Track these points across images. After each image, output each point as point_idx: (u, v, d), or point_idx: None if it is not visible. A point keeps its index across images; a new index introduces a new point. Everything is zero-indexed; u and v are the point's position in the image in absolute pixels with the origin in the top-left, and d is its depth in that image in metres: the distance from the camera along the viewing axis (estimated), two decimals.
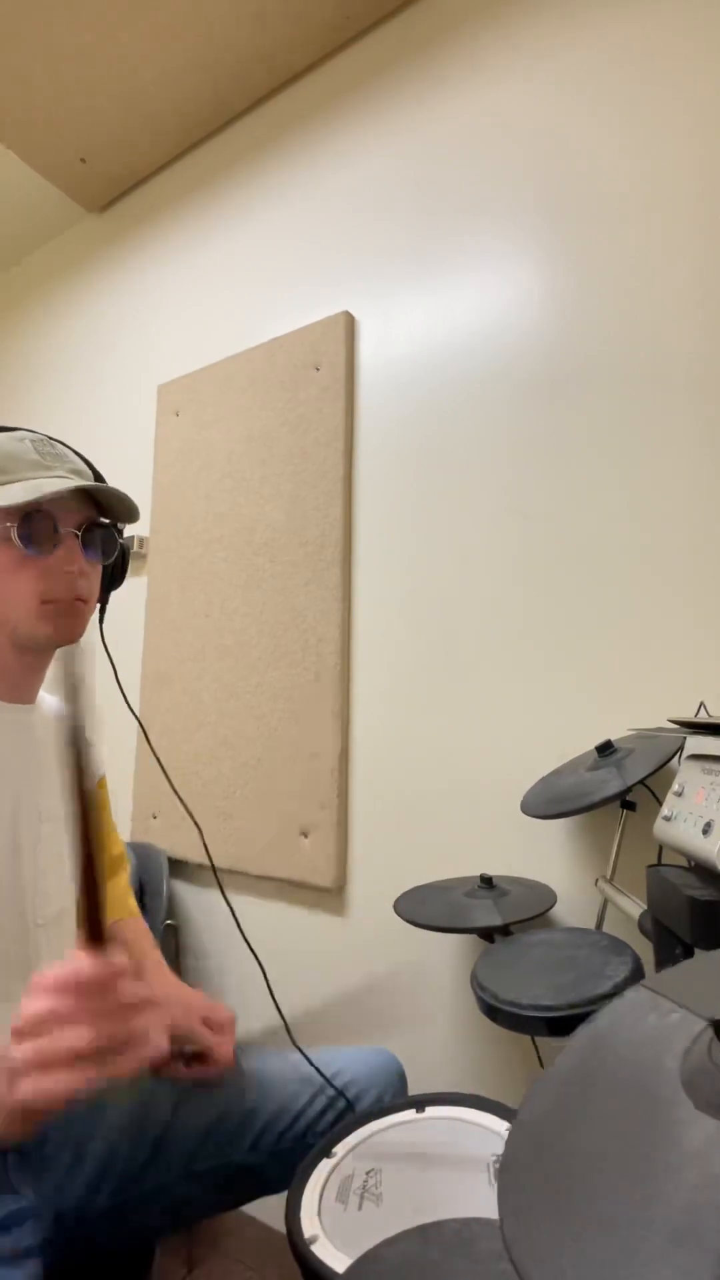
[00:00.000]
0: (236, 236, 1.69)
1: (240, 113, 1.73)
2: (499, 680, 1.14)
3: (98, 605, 0.76)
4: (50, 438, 0.71)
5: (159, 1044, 0.45)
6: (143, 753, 1.58)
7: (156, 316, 1.85)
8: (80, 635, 0.70)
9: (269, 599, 1.42)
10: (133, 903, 0.93)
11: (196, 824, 0.86)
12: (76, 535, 0.68)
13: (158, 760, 0.88)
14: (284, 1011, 0.83)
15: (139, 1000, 0.45)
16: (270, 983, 0.82)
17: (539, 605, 1.11)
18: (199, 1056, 0.71)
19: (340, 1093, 0.80)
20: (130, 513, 0.72)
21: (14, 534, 0.63)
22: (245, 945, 0.80)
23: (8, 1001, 0.65)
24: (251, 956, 0.79)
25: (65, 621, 0.68)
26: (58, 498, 0.65)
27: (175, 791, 0.87)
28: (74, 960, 0.44)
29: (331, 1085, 0.80)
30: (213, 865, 0.75)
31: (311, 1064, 0.79)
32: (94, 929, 0.45)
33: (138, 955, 0.86)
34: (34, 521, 0.64)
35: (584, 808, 0.84)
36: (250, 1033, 1.35)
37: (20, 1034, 0.42)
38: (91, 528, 0.70)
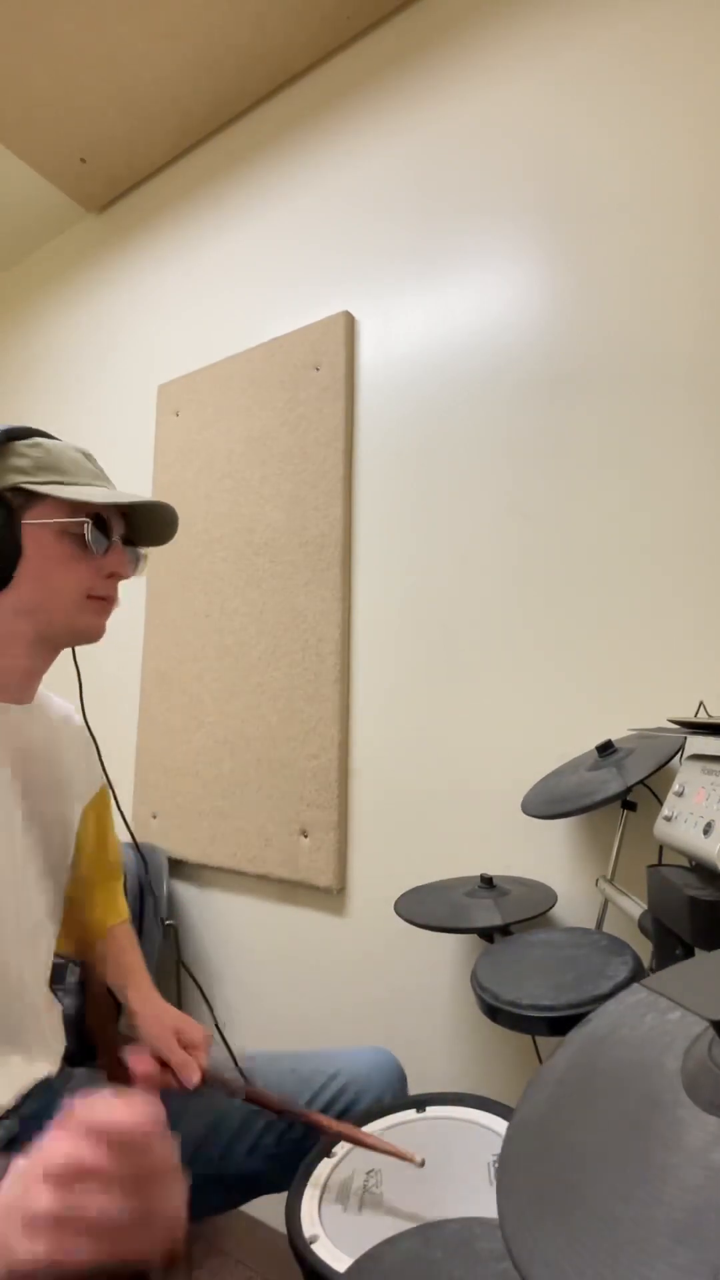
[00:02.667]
0: (236, 236, 1.69)
1: (240, 113, 1.73)
2: (499, 680, 1.14)
3: None
4: (90, 453, 0.77)
5: (184, 1219, 0.40)
6: (143, 752, 1.58)
7: (156, 316, 1.85)
8: (104, 634, 0.75)
9: (269, 599, 1.42)
10: (123, 907, 0.93)
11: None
12: (123, 545, 0.75)
13: (91, 736, 0.87)
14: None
15: (172, 1168, 0.40)
16: (217, 1018, 0.81)
17: (539, 605, 1.11)
18: (164, 1066, 0.72)
19: (344, 1088, 0.79)
20: (165, 535, 0.79)
21: (87, 530, 0.69)
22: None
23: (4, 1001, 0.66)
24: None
25: (100, 619, 0.74)
26: (111, 507, 0.72)
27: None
28: (110, 1105, 0.38)
29: (334, 1084, 0.79)
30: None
31: (254, 1090, 0.77)
32: (117, 1068, 0.42)
33: (122, 963, 0.87)
34: (100, 522, 0.71)
35: (584, 808, 0.84)
36: (250, 1032, 1.35)
37: (48, 1179, 0.37)
38: (125, 543, 0.76)
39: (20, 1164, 0.38)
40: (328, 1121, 0.71)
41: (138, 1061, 0.42)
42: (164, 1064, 0.74)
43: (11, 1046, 0.67)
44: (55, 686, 0.82)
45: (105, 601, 0.73)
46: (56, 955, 0.76)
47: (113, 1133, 0.37)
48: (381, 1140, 0.67)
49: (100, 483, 0.73)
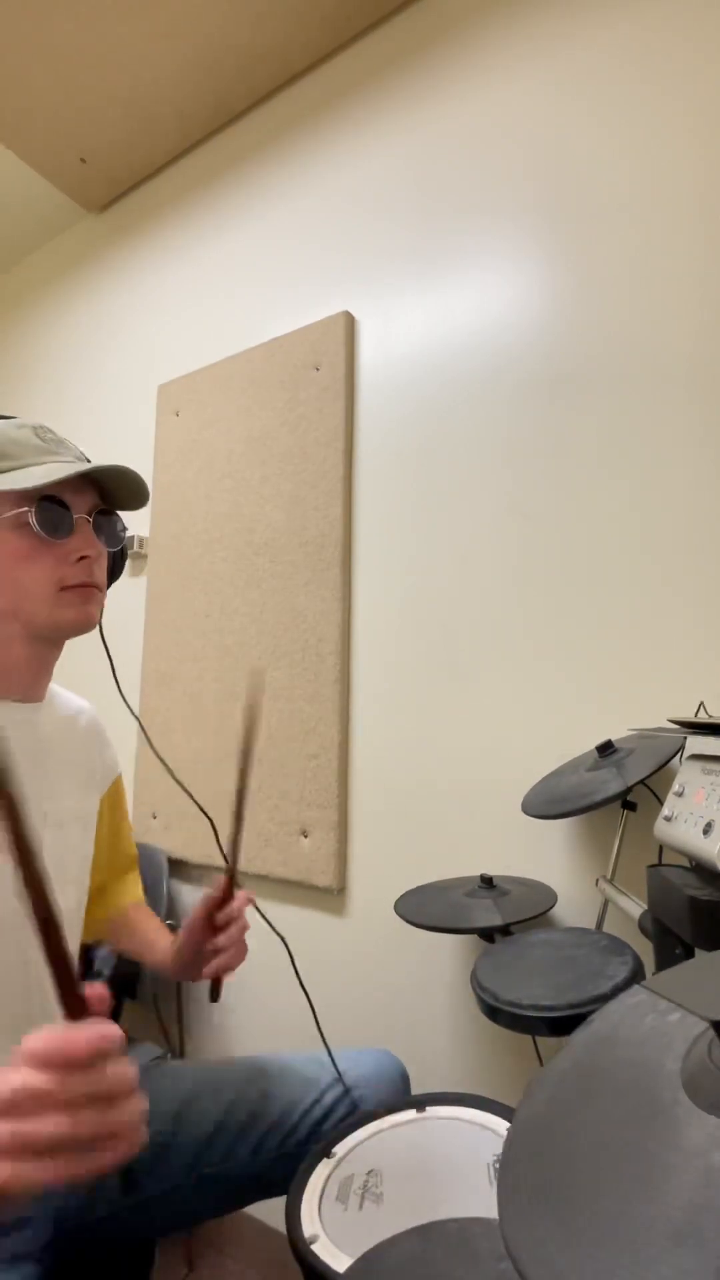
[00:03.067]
0: (236, 236, 1.69)
1: (240, 113, 1.73)
2: (499, 680, 1.14)
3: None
4: (44, 426, 0.70)
5: (142, 1137, 0.42)
6: (143, 752, 1.58)
7: (157, 316, 1.85)
8: (97, 622, 0.69)
9: (269, 599, 1.42)
10: (139, 891, 0.92)
11: (209, 819, 0.86)
12: (88, 521, 0.67)
13: (162, 762, 0.87)
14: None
15: (125, 1085, 0.41)
16: (298, 968, 0.82)
17: (539, 605, 1.11)
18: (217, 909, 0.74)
19: (348, 1090, 0.79)
20: (139, 495, 0.71)
21: (32, 518, 0.62)
22: (254, 944, 0.79)
23: (9, 1014, 0.65)
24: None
25: (84, 608, 0.67)
26: (67, 482, 0.64)
27: (186, 791, 0.87)
28: (60, 1032, 0.40)
29: (343, 1083, 0.79)
30: (224, 855, 0.75)
31: (333, 1060, 0.79)
32: (71, 995, 0.42)
33: (145, 931, 0.87)
34: (49, 506, 0.63)
35: (584, 808, 0.84)
36: (250, 1033, 1.35)
37: (1, 1111, 0.38)
38: (99, 514, 0.69)
39: None
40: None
41: (91, 990, 0.43)
42: (219, 904, 0.74)
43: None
44: (63, 679, 0.82)
45: (83, 589, 0.66)
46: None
47: (57, 1056, 0.39)
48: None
49: (49, 458, 0.65)
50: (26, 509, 0.62)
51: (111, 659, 0.81)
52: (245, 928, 0.76)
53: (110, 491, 0.70)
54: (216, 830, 0.85)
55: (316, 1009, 0.82)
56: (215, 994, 0.76)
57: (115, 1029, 0.41)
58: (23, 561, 0.63)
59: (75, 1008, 0.42)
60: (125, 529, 0.74)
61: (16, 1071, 0.39)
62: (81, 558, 0.65)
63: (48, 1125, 0.38)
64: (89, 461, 0.70)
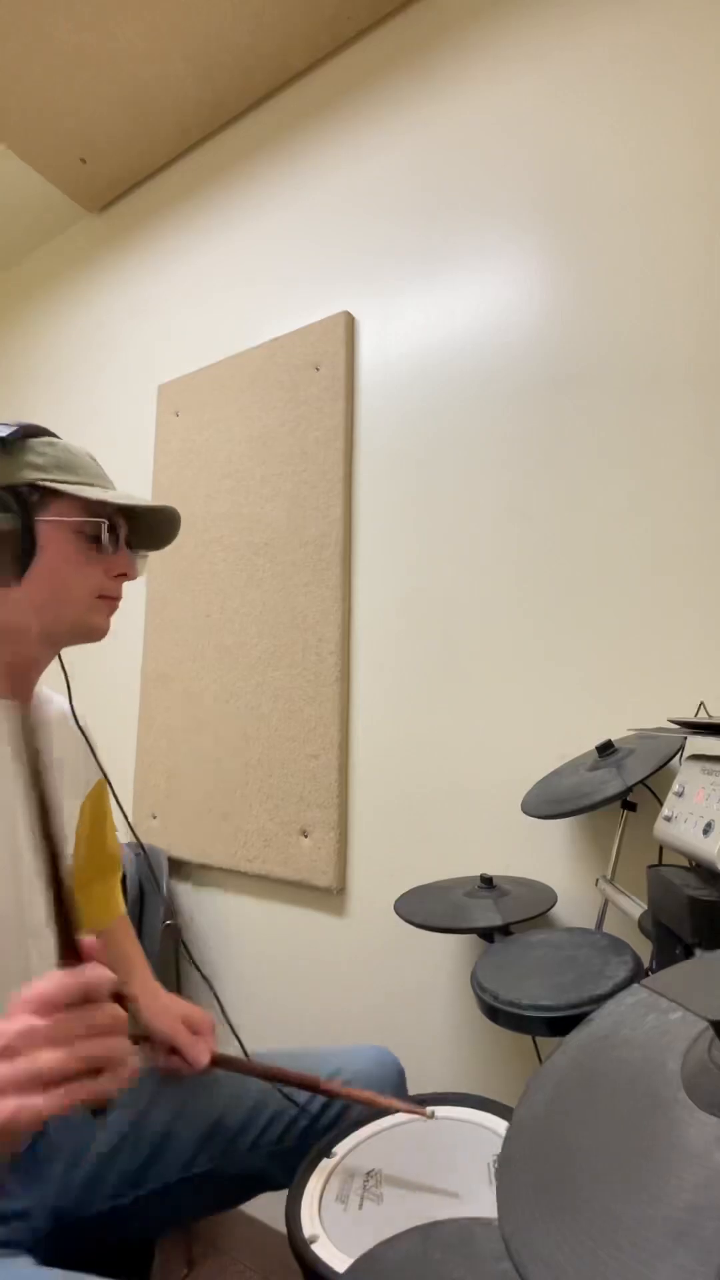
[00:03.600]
0: (236, 236, 1.69)
1: (240, 113, 1.73)
2: (499, 680, 1.14)
3: None
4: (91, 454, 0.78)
5: (134, 1066, 0.45)
6: (143, 752, 1.58)
7: (157, 316, 1.85)
8: (106, 635, 0.76)
9: (269, 599, 1.42)
10: (120, 903, 0.94)
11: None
12: (130, 548, 0.76)
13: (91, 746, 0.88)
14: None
15: (116, 1020, 0.45)
16: (223, 1004, 0.83)
17: (539, 605, 1.11)
18: (173, 1051, 0.76)
19: (299, 1106, 0.79)
20: (164, 543, 0.81)
21: (104, 530, 0.71)
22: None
23: (4, 1004, 0.66)
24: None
25: (106, 619, 0.75)
26: (134, 514, 0.75)
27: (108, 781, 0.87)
28: (52, 977, 0.44)
29: (295, 1103, 0.79)
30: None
31: (283, 1093, 0.79)
32: (69, 943, 0.45)
33: (123, 957, 0.89)
34: (113, 524, 0.72)
35: (584, 808, 0.84)
36: (250, 1033, 1.35)
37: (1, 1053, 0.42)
38: (131, 545, 0.77)
39: None
40: (344, 1089, 0.72)
41: (85, 939, 0.46)
42: (174, 1051, 0.76)
43: None
44: (46, 682, 0.82)
45: (113, 601, 0.75)
46: None
47: (50, 1000, 0.43)
48: (393, 1101, 0.71)
49: (109, 485, 0.74)
50: (101, 520, 0.71)
51: (69, 681, 0.83)
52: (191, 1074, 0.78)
53: (138, 529, 0.78)
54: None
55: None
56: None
57: (105, 972, 0.45)
58: (76, 564, 0.70)
59: (71, 954, 0.45)
60: (142, 563, 0.81)
61: (13, 1019, 0.43)
62: (119, 575, 0.74)
63: (43, 1060, 0.42)
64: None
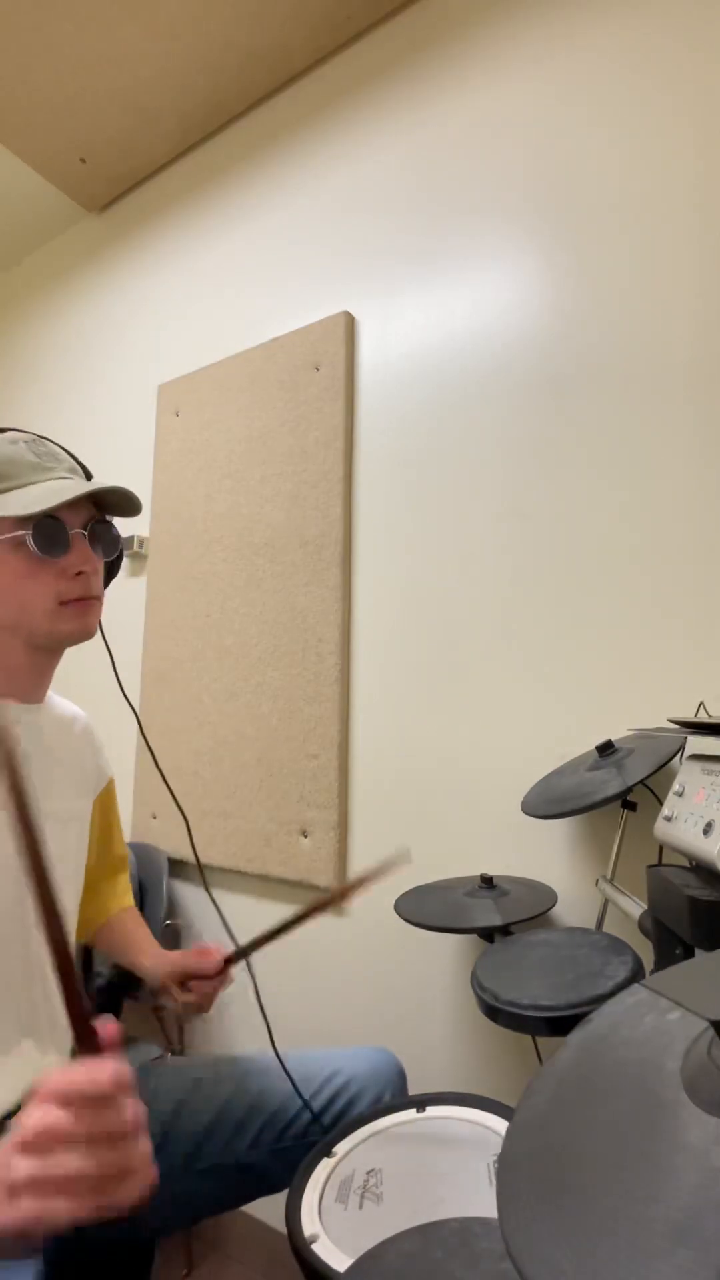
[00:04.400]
0: (236, 236, 1.69)
1: (240, 113, 1.73)
2: (499, 680, 1.14)
3: None
4: (40, 436, 0.71)
5: (153, 1175, 0.43)
6: (143, 752, 1.58)
7: (156, 316, 1.85)
8: (95, 631, 0.71)
9: (269, 599, 1.42)
10: (129, 896, 0.95)
11: (185, 818, 0.89)
12: (84, 535, 0.69)
13: (155, 761, 0.89)
14: (284, 1012, 0.83)
15: (138, 1123, 0.43)
16: (258, 986, 0.84)
17: (539, 605, 1.11)
18: (187, 982, 0.78)
19: (306, 1104, 0.79)
20: (133, 508, 0.72)
21: (29, 540, 0.64)
22: (243, 944, 0.79)
23: (11, 1003, 0.66)
24: (252, 956, 0.79)
25: (83, 620, 0.69)
26: (37, 512, 0.64)
27: (168, 786, 0.89)
28: (77, 1070, 0.41)
29: (303, 1099, 0.79)
30: (198, 862, 0.79)
31: (287, 1073, 0.80)
32: (86, 1033, 0.43)
33: (131, 932, 0.90)
34: (46, 526, 0.65)
35: (584, 808, 0.84)
36: (250, 1033, 1.35)
37: (23, 1147, 0.40)
38: (95, 525, 0.70)
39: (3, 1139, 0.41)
40: (328, 896, 0.69)
41: (104, 1027, 0.44)
42: (188, 980, 0.78)
43: (24, 1032, 0.68)
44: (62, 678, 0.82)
45: (81, 602, 0.68)
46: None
47: (77, 1095, 0.40)
48: (368, 873, 0.68)
49: (44, 475, 0.66)
50: (24, 532, 0.64)
51: (113, 657, 0.82)
52: (216, 992, 0.80)
53: (104, 501, 0.71)
54: (191, 832, 0.89)
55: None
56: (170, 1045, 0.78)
57: (128, 1067, 0.42)
58: (23, 579, 0.65)
59: (89, 1043, 0.43)
60: (119, 536, 0.75)
61: (37, 1109, 0.40)
62: (78, 573, 0.67)
63: (69, 1162, 0.39)
64: (81, 471, 0.72)
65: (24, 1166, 0.39)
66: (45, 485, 0.65)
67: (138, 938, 0.89)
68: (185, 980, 0.79)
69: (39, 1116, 0.40)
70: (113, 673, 0.84)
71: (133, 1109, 0.42)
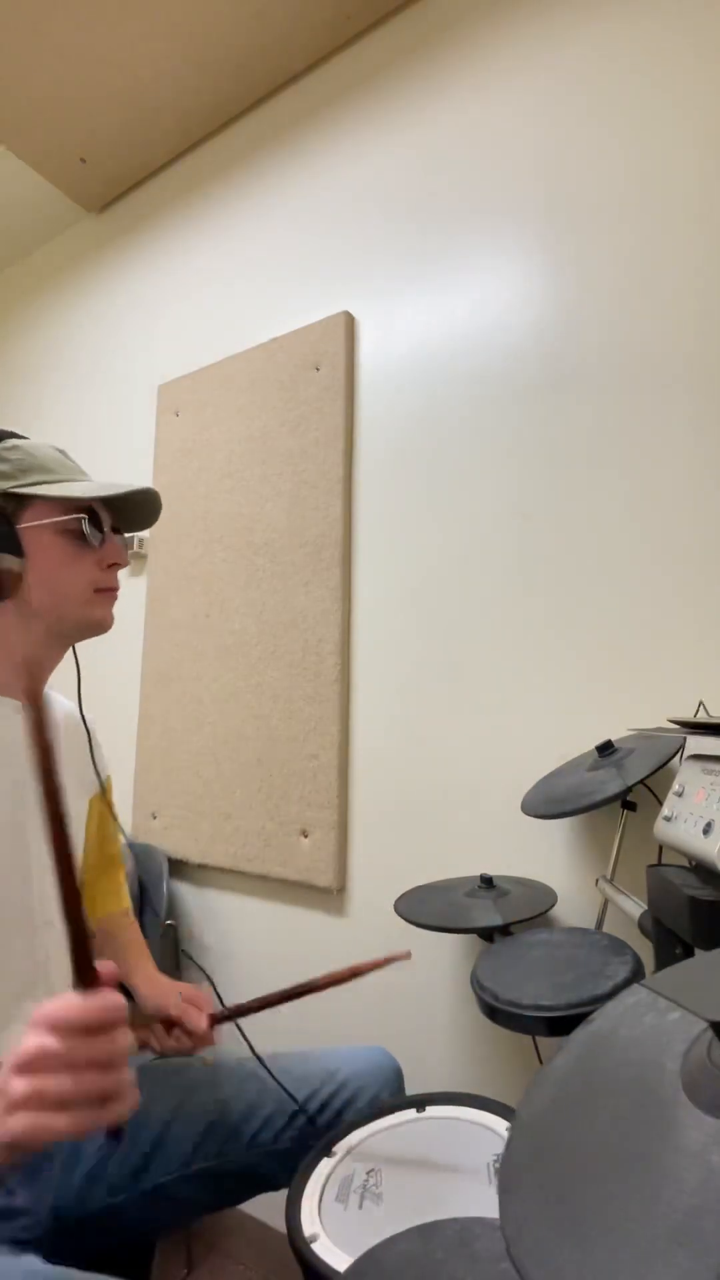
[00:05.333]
0: (236, 236, 1.69)
1: (240, 113, 1.73)
2: (499, 680, 1.14)
3: None
4: (62, 448, 0.78)
5: (134, 1099, 0.46)
6: (143, 752, 1.58)
7: (156, 316, 1.85)
8: (111, 626, 0.76)
9: (269, 599, 1.42)
10: (125, 897, 0.95)
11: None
12: (116, 533, 0.76)
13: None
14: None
15: (124, 1053, 0.46)
16: (222, 1000, 0.83)
17: (539, 604, 1.11)
18: (171, 1026, 0.78)
19: (301, 1107, 0.79)
20: (150, 521, 0.82)
21: (85, 525, 0.70)
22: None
23: (16, 1000, 0.66)
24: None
25: (108, 611, 0.75)
26: (112, 499, 0.74)
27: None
28: (71, 1000, 0.45)
29: (292, 1098, 0.79)
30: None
31: (275, 1079, 0.79)
32: (85, 969, 0.46)
33: (125, 946, 0.90)
34: (94, 517, 0.72)
35: (584, 808, 0.84)
36: (250, 1033, 1.35)
37: (18, 1068, 0.44)
38: (118, 531, 0.78)
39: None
40: (323, 979, 0.72)
41: (103, 964, 0.47)
42: (173, 1025, 0.78)
43: (24, 994, 0.68)
44: (57, 684, 0.82)
45: (111, 592, 0.75)
46: None
47: (71, 1024, 0.44)
48: (371, 963, 0.72)
49: (80, 477, 0.74)
50: (81, 516, 0.70)
51: (79, 667, 0.84)
52: (200, 1047, 0.80)
53: (123, 514, 0.79)
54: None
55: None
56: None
57: (121, 1000, 0.46)
58: (66, 563, 0.71)
59: (89, 978, 0.46)
60: (128, 545, 0.82)
61: (32, 1034, 0.44)
62: (112, 564, 0.74)
63: (59, 1082, 0.43)
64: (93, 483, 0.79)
65: (19, 1085, 0.43)
66: (84, 483, 0.73)
67: (133, 953, 0.90)
68: (171, 1027, 0.79)
69: (35, 1041, 0.44)
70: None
71: (121, 1038, 0.46)
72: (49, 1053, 0.43)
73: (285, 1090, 0.78)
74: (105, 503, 0.75)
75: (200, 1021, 0.77)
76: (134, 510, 0.79)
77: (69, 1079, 0.43)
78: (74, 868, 0.46)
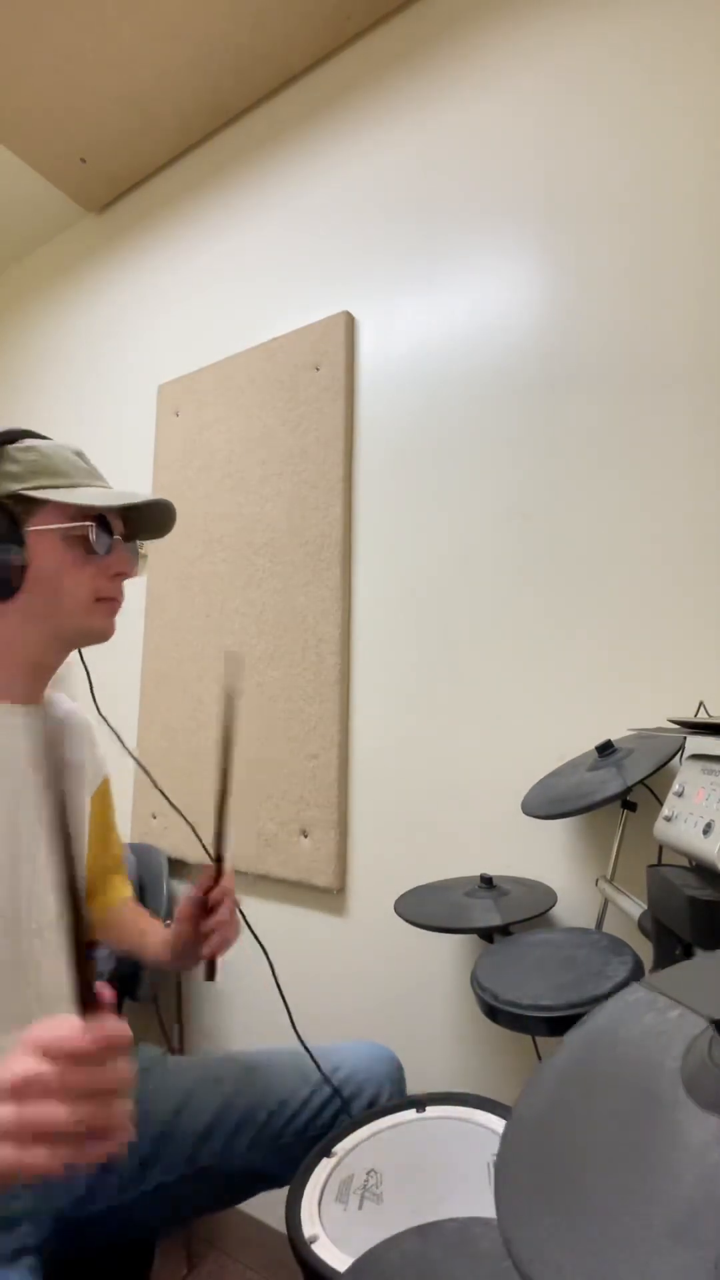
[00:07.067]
0: (236, 236, 1.69)
1: (240, 113, 1.73)
2: (499, 680, 1.14)
3: None
4: (80, 450, 0.76)
5: (129, 1135, 0.43)
6: (143, 753, 1.58)
7: (157, 316, 1.85)
8: (111, 635, 0.75)
9: (269, 599, 1.42)
10: (129, 889, 0.95)
11: (190, 824, 0.88)
12: (125, 542, 0.74)
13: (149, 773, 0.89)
14: (282, 1011, 0.83)
15: (122, 1084, 0.43)
16: (276, 973, 0.83)
17: (539, 605, 1.11)
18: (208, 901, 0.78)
19: (336, 1091, 0.80)
20: (163, 531, 0.80)
21: (92, 533, 0.69)
22: (245, 946, 0.80)
23: (3, 1006, 0.66)
24: (253, 955, 0.79)
25: (109, 620, 0.74)
26: (113, 507, 0.72)
27: (166, 798, 0.89)
28: (68, 1025, 0.42)
29: (329, 1082, 0.80)
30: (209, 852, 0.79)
31: (314, 1060, 0.79)
32: (86, 991, 0.44)
33: (136, 924, 0.90)
34: (103, 525, 0.71)
35: (584, 808, 0.84)
36: (250, 1033, 1.35)
37: (4, 1094, 0.41)
38: (129, 539, 0.76)
39: None
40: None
41: (102, 989, 0.45)
42: (201, 910, 0.77)
43: (15, 1022, 0.67)
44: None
45: (113, 602, 0.73)
46: None
47: (62, 1049, 0.41)
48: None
49: (96, 482, 0.73)
50: (90, 524, 0.69)
51: (89, 671, 0.84)
52: (235, 904, 0.79)
53: (135, 522, 0.77)
54: (197, 831, 0.91)
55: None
56: (211, 973, 0.77)
57: (125, 1028, 0.43)
58: (69, 570, 0.69)
59: (88, 1003, 0.44)
60: (139, 556, 0.79)
61: (23, 1058, 0.41)
62: (117, 574, 0.73)
63: (47, 1114, 0.40)
64: (110, 488, 0.77)
65: (4, 1112, 0.40)
66: (96, 489, 0.71)
67: (142, 925, 0.89)
68: (201, 919, 0.78)
69: (23, 1066, 0.41)
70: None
71: (118, 1068, 0.43)
72: (40, 1079, 0.40)
73: (321, 1071, 0.79)
74: (117, 511, 0.74)
75: (207, 877, 0.78)
76: (146, 520, 0.78)
77: (61, 1110, 0.40)
78: (80, 891, 0.44)
